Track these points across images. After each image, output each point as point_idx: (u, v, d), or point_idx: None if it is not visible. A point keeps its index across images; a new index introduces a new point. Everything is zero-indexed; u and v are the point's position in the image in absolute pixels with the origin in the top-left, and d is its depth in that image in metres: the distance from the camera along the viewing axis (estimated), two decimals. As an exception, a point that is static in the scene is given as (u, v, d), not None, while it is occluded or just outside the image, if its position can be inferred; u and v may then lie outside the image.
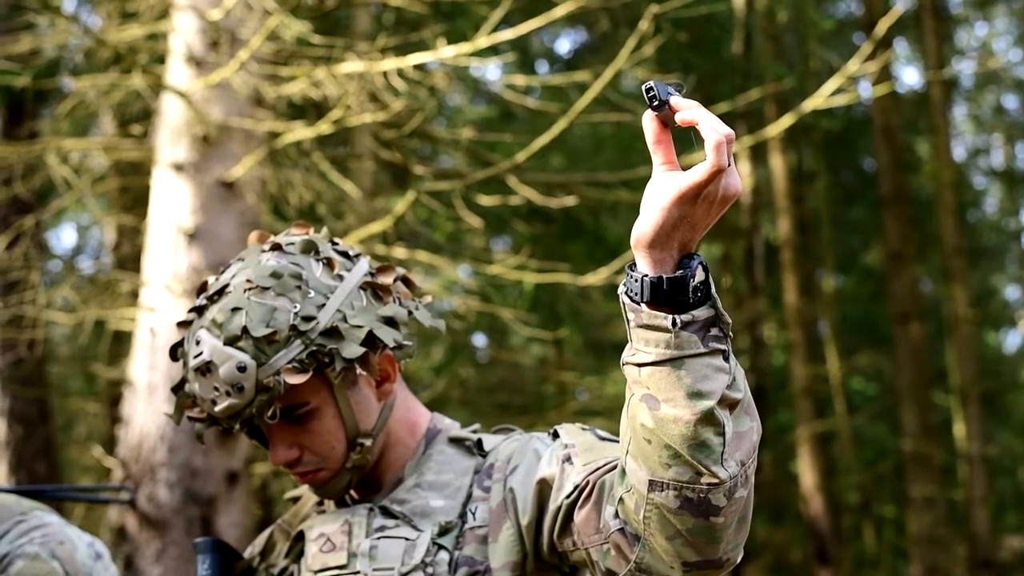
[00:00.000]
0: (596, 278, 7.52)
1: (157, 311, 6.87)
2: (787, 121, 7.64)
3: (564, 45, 18.24)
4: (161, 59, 7.38)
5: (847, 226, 20.22)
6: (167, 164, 6.96)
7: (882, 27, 7.50)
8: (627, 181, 8.35)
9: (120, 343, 9.64)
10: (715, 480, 1.88)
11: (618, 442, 2.15)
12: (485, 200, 7.72)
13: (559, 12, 6.39)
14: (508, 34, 6.47)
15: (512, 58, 8.59)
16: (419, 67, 6.99)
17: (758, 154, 17.41)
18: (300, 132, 6.85)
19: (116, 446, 7.18)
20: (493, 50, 7.20)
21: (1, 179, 8.63)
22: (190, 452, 6.76)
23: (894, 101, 16.51)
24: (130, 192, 10.15)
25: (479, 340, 17.11)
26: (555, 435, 2.33)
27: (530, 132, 8.51)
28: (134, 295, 7.91)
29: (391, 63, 6.66)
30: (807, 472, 16.86)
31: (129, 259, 10.28)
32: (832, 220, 19.26)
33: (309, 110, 7.91)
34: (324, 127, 6.65)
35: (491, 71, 12.45)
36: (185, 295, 6.77)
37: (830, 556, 16.50)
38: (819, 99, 7.31)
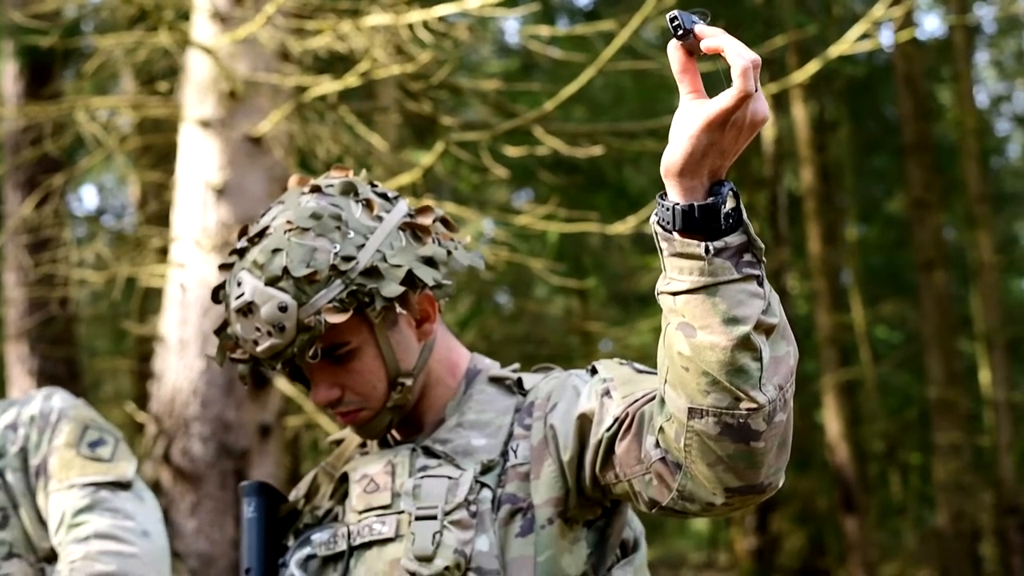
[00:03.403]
0: (623, 227, 7.52)
1: (187, 267, 6.90)
2: (813, 67, 7.62)
3: (583, -1, 18.17)
4: (185, 16, 7.39)
5: (869, 175, 20.15)
6: (194, 120, 6.98)
7: (906, -30, 7.49)
8: (653, 130, 8.35)
9: (147, 300, 9.69)
10: (754, 405, 1.91)
11: (656, 374, 2.17)
12: (512, 151, 7.72)
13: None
14: (534, -17, 6.51)
15: (536, 8, 8.56)
16: (444, 19, 6.99)
17: (780, 104, 17.35)
18: (327, 86, 6.85)
19: (148, 402, 7.24)
20: (516, 1, 7.19)
21: (29, 139, 8.69)
22: (223, 406, 6.81)
23: (916, 48, 16.43)
24: (153, 150, 10.18)
25: (503, 296, 17.12)
26: (593, 371, 2.34)
27: (552, 84, 8.51)
28: (163, 252, 7.95)
29: (417, 15, 6.65)
30: (832, 421, 16.87)
31: (154, 217, 10.32)
32: (855, 169, 19.21)
33: (335, 63, 7.92)
34: (351, 80, 6.66)
35: (511, 24, 12.41)
36: (215, 250, 6.80)
37: (856, 504, 16.52)
38: (845, 45, 7.28)
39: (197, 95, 7.01)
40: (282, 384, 7.09)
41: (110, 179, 17.17)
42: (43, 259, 8.11)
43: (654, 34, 14.16)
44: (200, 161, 6.97)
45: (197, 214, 6.94)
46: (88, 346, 14.99)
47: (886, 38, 15.75)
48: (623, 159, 13.08)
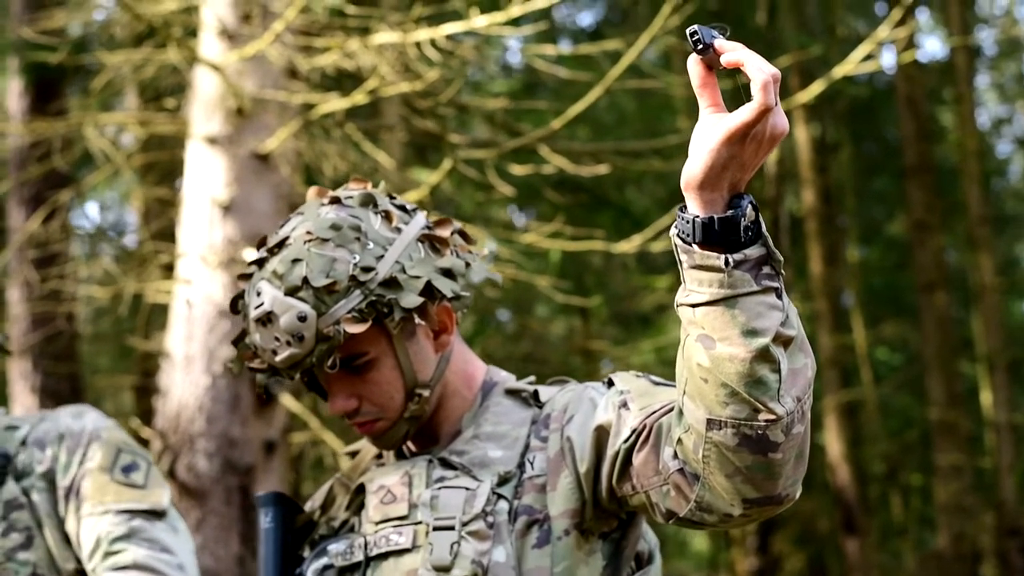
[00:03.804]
0: (629, 246, 7.55)
1: (193, 283, 6.92)
2: (817, 88, 7.64)
3: (586, 19, 18.25)
4: (193, 33, 7.42)
5: (870, 197, 20.18)
6: (201, 137, 7.01)
7: (910, -7, 7.53)
8: (658, 149, 8.38)
9: (151, 317, 9.70)
10: (772, 416, 1.92)
11: (673, 386, 2.19)
12: (517, 169, 7.74)
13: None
14: (541, 2, 6.49)
15: (544, 27, 8.59)
16: (451, 37, 7.01)
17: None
18: (334, 103, 6.88)
19: (152, 418, 7.24)
20: (524, 19, 7.22)
21: (33, 155, 8.70)
22: (228, 422, 6.82)
23: (918, 70, 16.47)
24: (157, 167, 10.20)
25: (504, 315, 17.13)
26: (610, 383, 2.35)
27: (558, 103, 8.54)
28: (168, 268, 7.96)
29: (424, 33, 6.68)
30: (834, 442, 16.87)
31: (158, 235, 10.33)
32: (856, 191, 19.23)
33: (342, 81, 7.94)
34: (359, 97, 6.68)
35: (515, 44, 12.47)
36: (221, 267, 6.82)
37: (857, 525, 16.52)
38: (849, 65, 7.31)
39: (204, 112, 7.03)
40: (287, 401, 7.10)
41: (112, 197, 17.17)
42: (50, 274, 8.11)
43: (657, 55, 14.22)
44: (207, 178, 6.99)
45: (203, 231, 6.95)
46: (89, 364, 14.99)
47: (888, 59, 15.81)
48: (626, 180, 13.11)
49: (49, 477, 2.95)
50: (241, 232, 6.86)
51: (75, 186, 8.67)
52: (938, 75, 19.32)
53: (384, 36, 6.82)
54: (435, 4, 7.35)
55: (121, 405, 15.96)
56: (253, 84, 6.92)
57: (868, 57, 7.42)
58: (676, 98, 13.06)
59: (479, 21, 6.55)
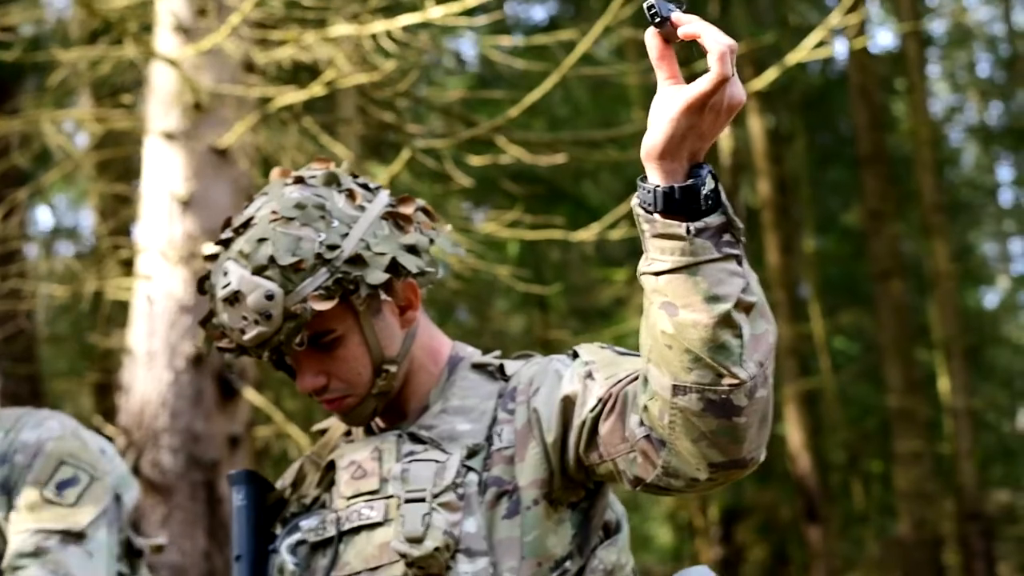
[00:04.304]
0: (587, 234, 7.59)
1: (153, 279, 6.91)
2: (771, 75, 7.69)
3: (539, 14, 18.27)
4: (147, 28, 7.41)
5: (825, 187, 20.29)
6: (158, 133, 6.99)
7: (862, -22, 7.59)
8: (615, 139, 8.41)
9: (110, 315, 9.67)
10: (735, 381, 1.96)
11: (637, 356, 2.22)
12: (475, 160, 7.77)
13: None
14: (497, -8, 6.55)
15: (499, 17, 8.62)
16: (407, 29, 7.03)
17: (736, 116, 17.43)
18: (292, 96, 6.88)
19: (114, 416, 7.23)
20: (479, 11, 7.23)
21: (-6, 154, 8.64)
22: (191, 417, 6.82)
23: (870, 60, 16.57)
24: (113, 165, 10.16)
25: (463, 313, 17.13)
26: (575, 355, 2.38)
27: (512, 94, 8.56)
28: (126, 265, 7.95)
29: (380, 25, 6.70)
30: (794, 431, 16.95)
31: (114, 232, 10.29)
32: (811, 181, 19.34)
33: (299, 74, 7.96)
34: (317, 89, 6.69)
35: (469, 38, 12.49)
36: (181, 262, 6.81)
37: (819, 514, 16.62)
38: (802, 52, 7.35)
39: (162, 107, 7.02)
40: (251, 395, 7.10)
41: (69, 195, 17.10)
42: (9, 272, 8.07)
43: (610, 48, 14.27)
44: (165, 173, 6.97)
45: (163, 226, 6.94)
46: (48, 365, 14.94)
47: (841, 48, 15.90)
48: (582, 173, 13.16)
49: (6, 490, 2.95)
50: (201, 227, 6.85)
51: (34, 183, 8.63)
52: (890, 65, 19.45)
53: (340, 28, 6.83)
54: (387, -6, 7.37)
55: (80, 406, 15.91)
56: (210, 78, 6.92)
57: (820, 44, 7.48)
58: (630, 89, 13.13)
59: (435, 12, 6.57)
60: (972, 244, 23.42)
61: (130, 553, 3.15)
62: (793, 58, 7.46)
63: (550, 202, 12.76)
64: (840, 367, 19.71)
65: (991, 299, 25.80)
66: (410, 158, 6.89)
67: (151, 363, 6.87)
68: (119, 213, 9.76)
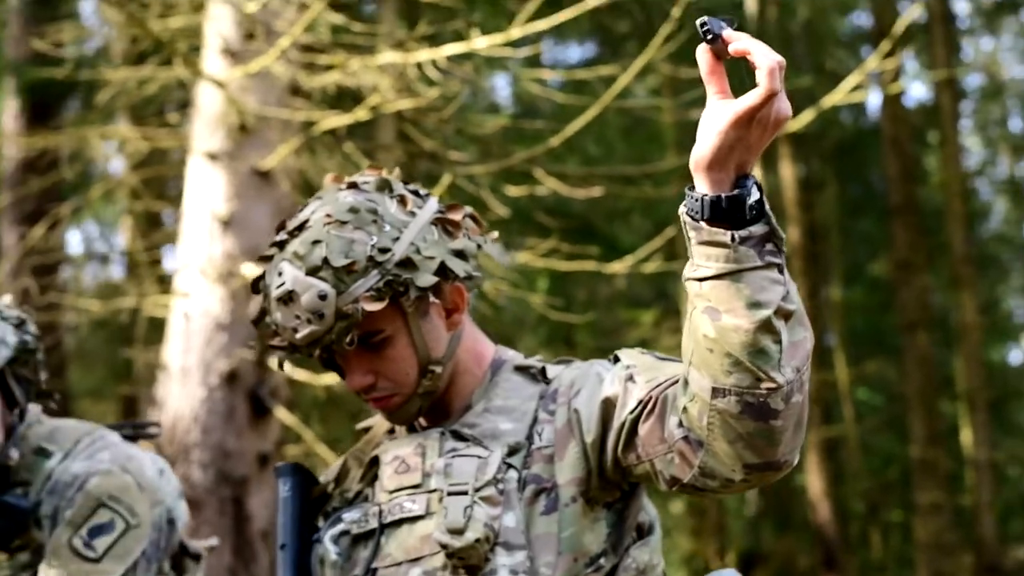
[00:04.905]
0: (621, 266, 7.67)
1: (191, 296, 7.00)
2: (807, 117, 7.75)
3: (575, 54, 18.39)
4: (195, 50, 7.52)
5: (854, 237, 20.32)
6: (202, 153, 7.10)
7: (900, 25, 7.65)
8: (650, 174, 8.48)
9: (144, 331, 9.74)
10: (773, 385, 2.04)
11: (677, 362, 2.30)
12: (513, 190, 7.85)
13: (592, 2, 6.49)
14: (542, 24, 6.58)
15: (543, 49, 8.71)
16: (451, 58, 7.12)
17: (768, 162, 17.51)
18: (335, 120, 6.98)
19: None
20: (522, 42, 7.31)
21: (28, 175, 8.76)
22: (223, 434, 6.90)
23: (903, 112, 16.63)
24: (152, 184, 10.23)
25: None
26: (616, 359, 2.46)
27: (551, 125, 8.63)
28: (162, 282, 8.04)
29: (426, 54, 6.80)
30: (815, 479, 16.95)
31: (149, 251, 10.37)
32: (840, 230, 19.37)
33: (343, 99, 8.04)
34: (361, 114, 6.78)
35: (505, 76, 12.58)
36: (219, 281, 6.90)
37: (837, 563, 16.58)
38: (839, 95, 7.42)
39: (207, 128, 7.12)
40: (282, 414, 7.17)
41: (109, 213, 17.23)
42: (50, 284, 8.16)
43: (647, 90, 14.34)
44: (207, 193, 7.07)
45: (203, 244, 7.04)
46: (76, 385, 15.01)
47: (875, 98, 15.95)
48: (614, 213, 13.21)
49: (55, 522, 2.98)
50: (240, 247, 6.95)
51: (77, 199, 8.73)
52: (922, 117, 19.52)
53: (386, 56, 6.93)
54: (436, 24, 7.45)
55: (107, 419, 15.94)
56: (256, 101, 7.02)
57: (857, 88, 7.54)
58: (665, 129, 13.19)
59: (479, 43, 6.65)
60: (999, 298, 23.40)
61: (185, 556, 3.20)
62: (829, 100, 7.52)
63: (582, 238, 12.82)
64: (863, 416, 19.68)
65: (1015, 356, 25.78)
66: (450, 183, 6.97)
67: (185, 379, 6.96)
68: (151, 234, 9.85)
